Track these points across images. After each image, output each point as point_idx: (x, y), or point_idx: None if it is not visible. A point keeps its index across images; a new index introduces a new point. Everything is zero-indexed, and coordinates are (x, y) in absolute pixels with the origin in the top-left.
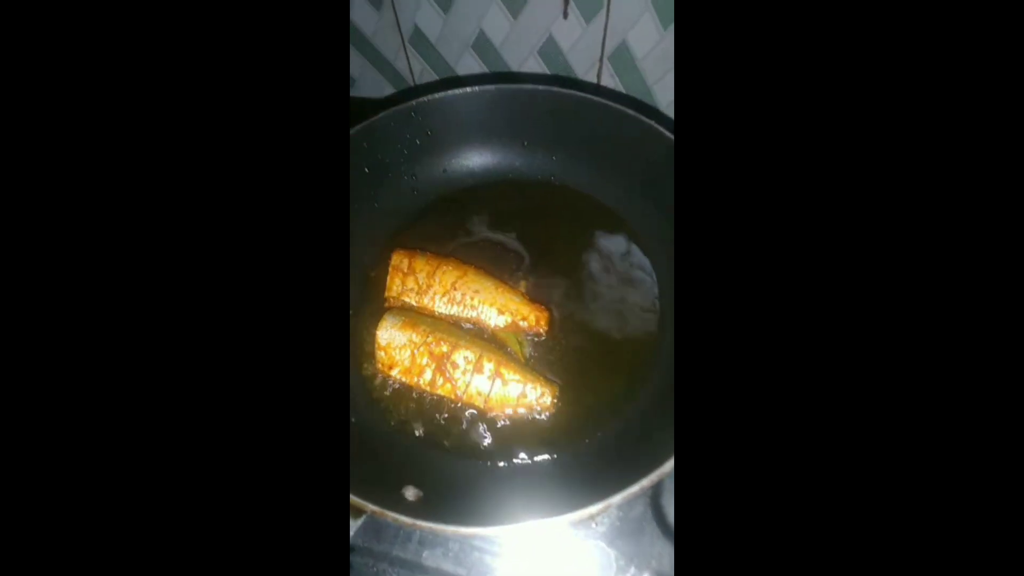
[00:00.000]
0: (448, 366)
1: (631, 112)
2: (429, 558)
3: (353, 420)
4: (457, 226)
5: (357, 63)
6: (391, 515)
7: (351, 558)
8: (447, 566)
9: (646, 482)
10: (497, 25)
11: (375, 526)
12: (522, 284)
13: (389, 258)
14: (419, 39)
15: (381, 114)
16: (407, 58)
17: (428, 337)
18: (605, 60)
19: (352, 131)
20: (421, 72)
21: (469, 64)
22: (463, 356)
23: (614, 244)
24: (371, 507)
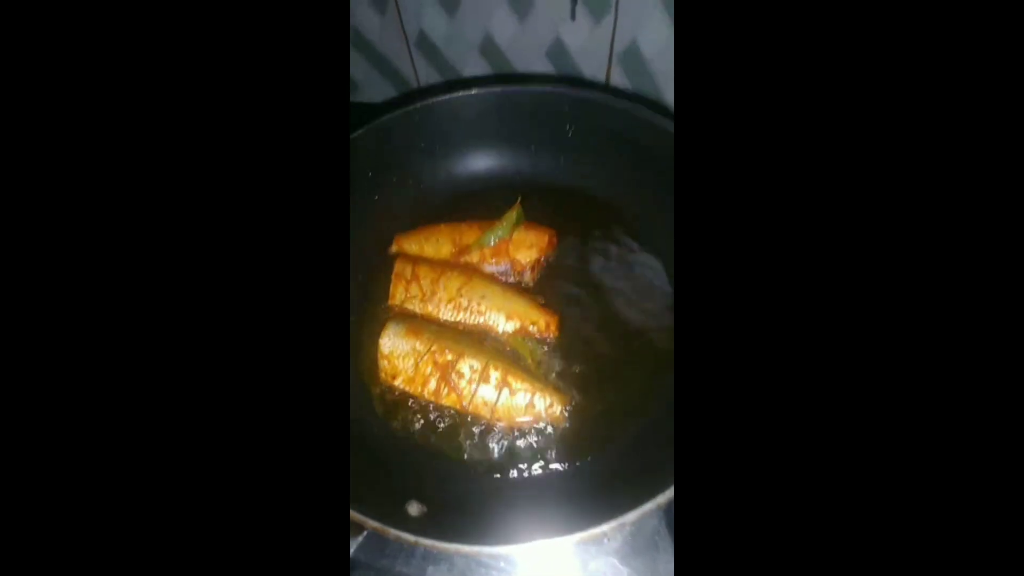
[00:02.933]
0: (453, 375)
1: (643, 113)
2: (434, 574)
3: (354, 431)
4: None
5: (361, 67)
6: (393, 532)
7: (352, 575)
8: None
9: (662, 499)
10: (504, 27)
11: (377, 541)
12: (530, 289)
13: (392, 265)
14: (424, 42)
15: (385, 117)
16: (412, 62)
17: (432, 345)
18: (614, 61)
19: (355, 134)
20: (427, 76)
21: (476, 67)
22: (468, 365)
23: (625, 248)
24: (372, 523)
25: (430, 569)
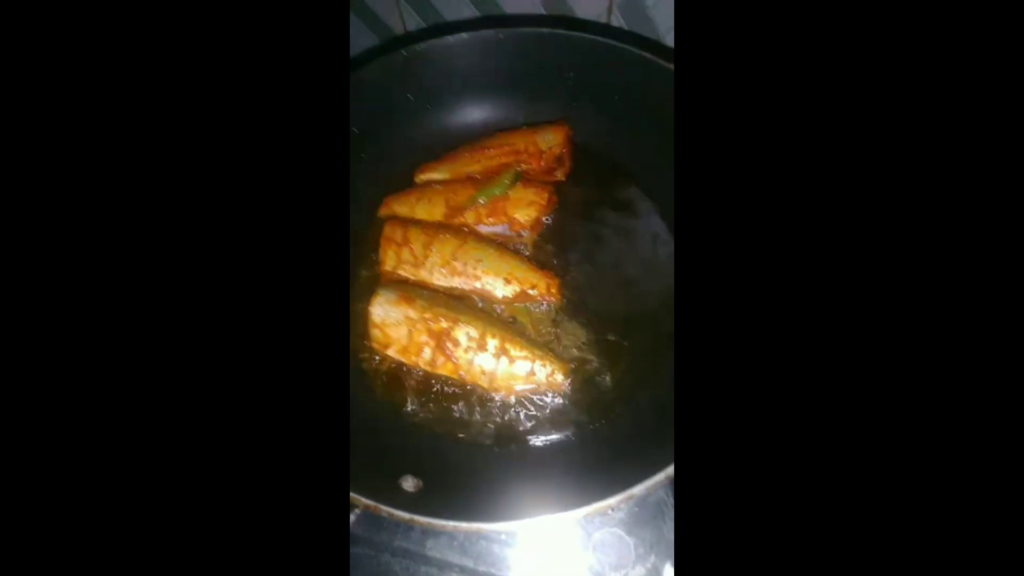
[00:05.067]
0: (449, 344)
1: (649, 57)
2: (433, 548)
3: None
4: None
5: None
6: (387, 510)
7: (350, 550)
8: (452, 556)
9: (671, 470)
10: None
11: (375, 515)
12: (529, 250)
13: (381, 228)
14: None
15: (369, 66)
16: (399, 12)
17: (426, 313)
18: (614, 8)
19: None
20: (411, 21)
21: (463, 10)
22: (465, 333)
23: (629, 204)
24: (365, 501)
25: (429, 543)
